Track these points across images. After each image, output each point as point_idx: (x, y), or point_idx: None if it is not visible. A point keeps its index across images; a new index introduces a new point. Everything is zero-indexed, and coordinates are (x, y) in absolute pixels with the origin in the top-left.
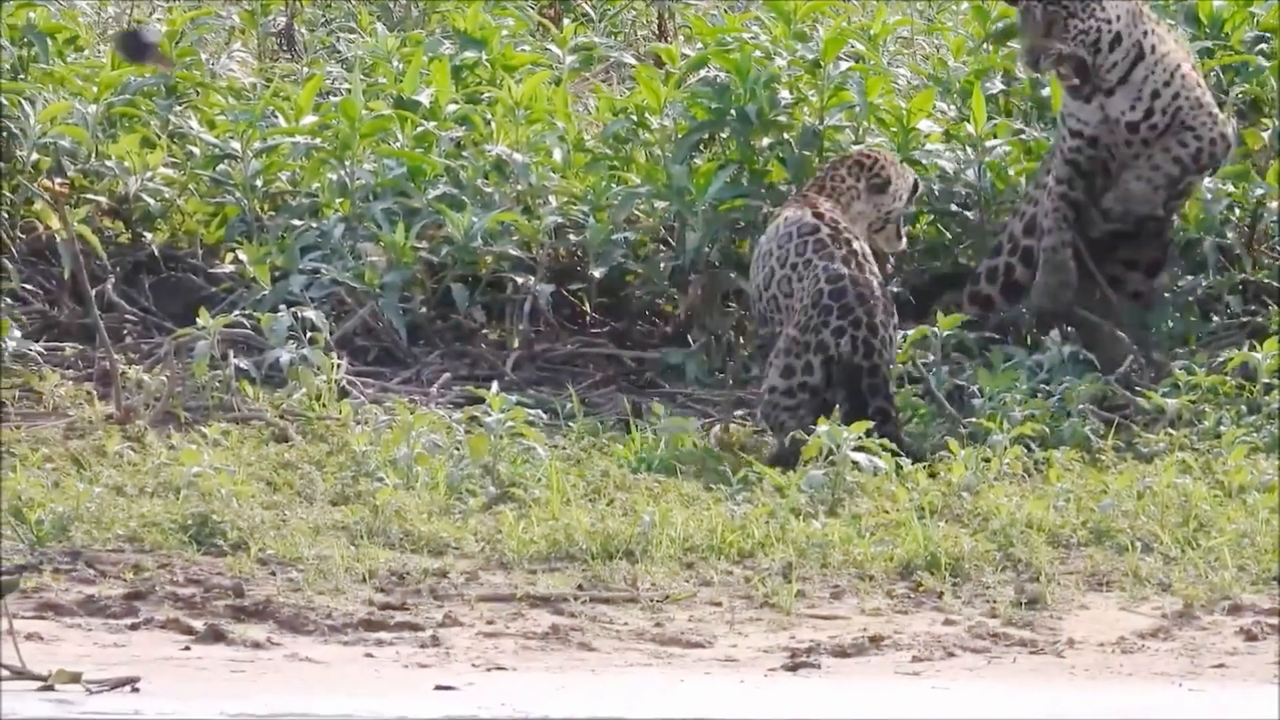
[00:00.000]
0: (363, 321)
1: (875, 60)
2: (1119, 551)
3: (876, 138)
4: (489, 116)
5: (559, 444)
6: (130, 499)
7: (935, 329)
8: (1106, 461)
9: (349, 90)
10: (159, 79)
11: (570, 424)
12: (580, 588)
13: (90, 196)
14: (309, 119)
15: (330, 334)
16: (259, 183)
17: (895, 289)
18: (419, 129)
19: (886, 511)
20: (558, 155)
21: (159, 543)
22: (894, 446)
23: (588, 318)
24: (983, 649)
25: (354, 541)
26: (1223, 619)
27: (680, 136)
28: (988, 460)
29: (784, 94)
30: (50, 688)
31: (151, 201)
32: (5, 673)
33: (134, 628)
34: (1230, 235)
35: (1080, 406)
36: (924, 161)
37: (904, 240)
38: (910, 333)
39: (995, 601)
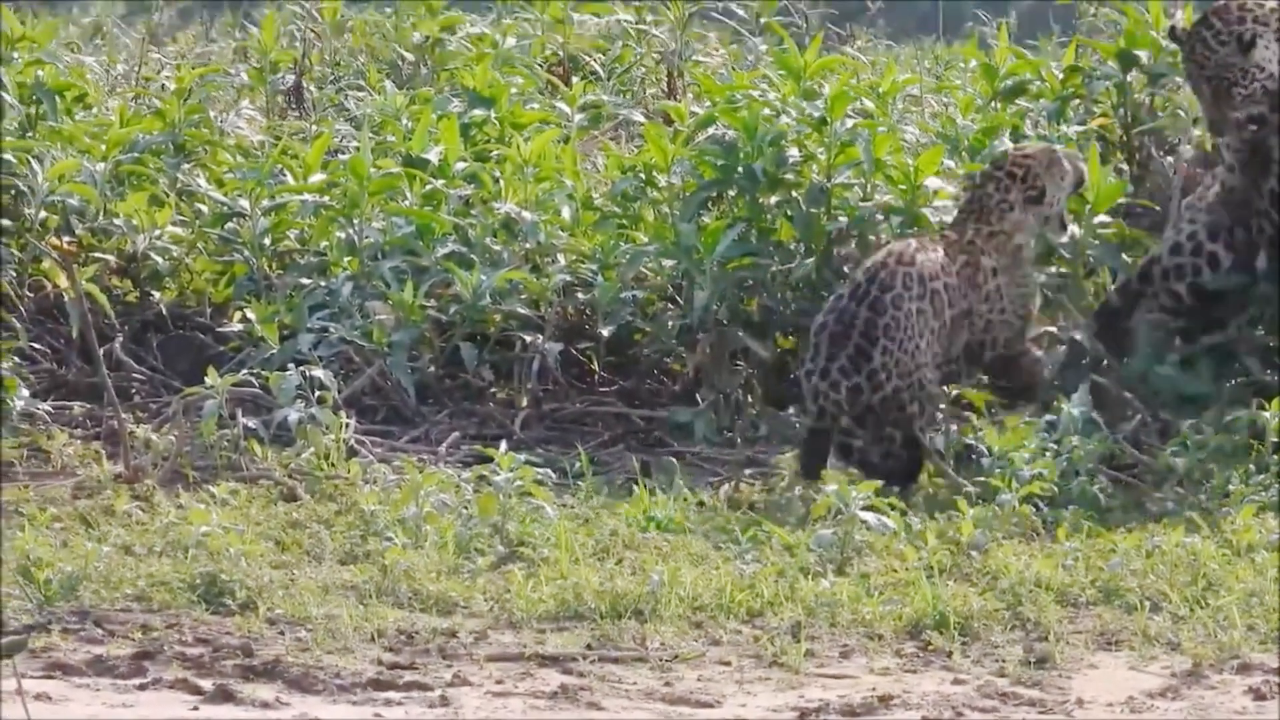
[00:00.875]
0: (371, 380)
1: (883, 117)
2: (1128, 610)
3: (884, 195)
4: (498, 174)
5: (568, 503)
6: (138, 558)
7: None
8: (1115, 521)
9: (357, 148)
10: (167, 137)
11: (579, 483)
12: (589, 647)
13: (98, 255)
14: (317, 177)
15: (339, 393)
16: (267, 241)
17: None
18: (427, 187)
19: (895, 570)
20: (566, 213)
21: (167, 602)
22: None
23: (596, 376)
24: (991, 708)
25: (362, 601)
26: (1231, 678)
27: (688, 194)
28: (996, 519)
29: (792, 152)
30: None
31: (160, 260)
32: None
33: (142, 688)
34: None
35: (1089, 465)
36: (933, 219)
37: (1069, 229)
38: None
39: (1004, 660)
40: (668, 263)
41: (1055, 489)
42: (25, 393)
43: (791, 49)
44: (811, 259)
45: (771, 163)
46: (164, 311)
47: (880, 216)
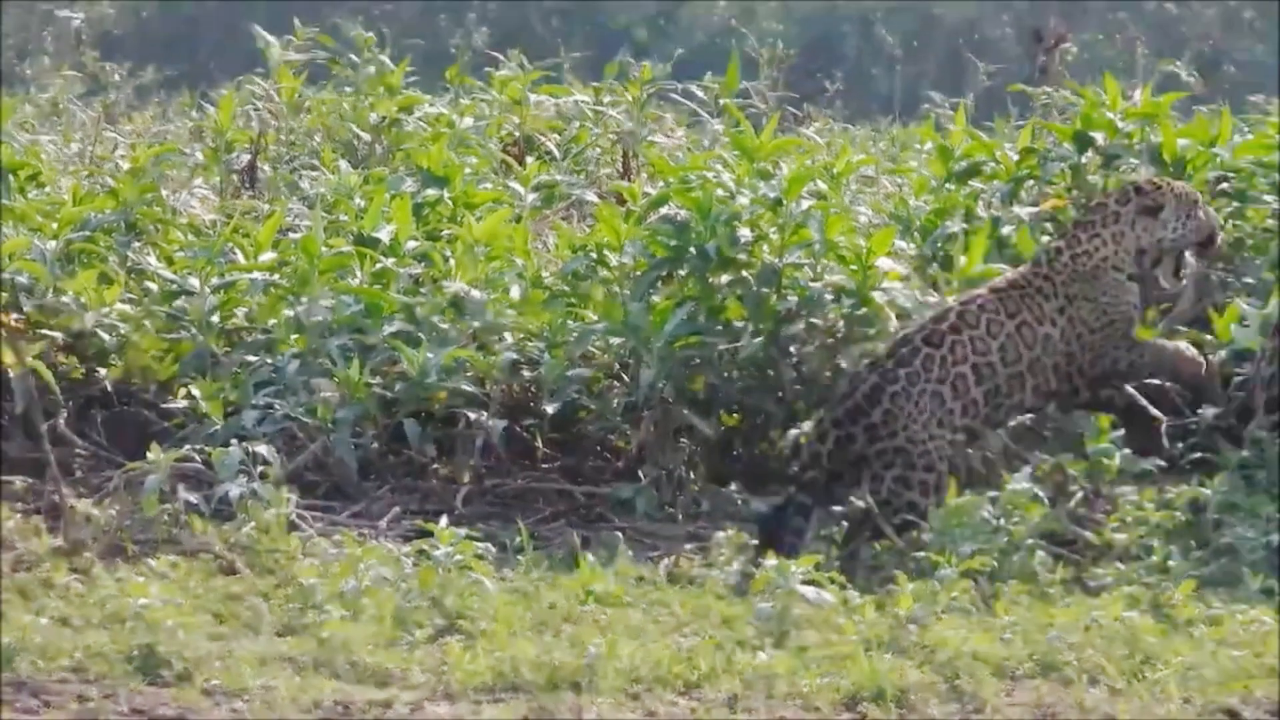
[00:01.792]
0: (314, 456)
1: (837, 198)
2: (1065, 684)
3: (835, 275)
4: (449, 253)
5: (507, 577)
6: (76, 630)
7: None
8: (1054, 595)
9: (310, 227)
10: (119, 215)
11: (519, 557)
12: (525, 719)
13: (45, 331)
14: (268, 255)
15: (281, 468)
16: (215, 318)
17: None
18: (378, 266)
19: (833, 644)
20: (515, 292)
21: (104, 673)
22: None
23: (539, 453)
24: None
25: (300, 672)
26: None
27: (639, 273)
28: (935, 593)
29: (744, 232)
30: None
31: (107, 337)
32: None
33: None
34: None
35: (1029, 540)
36: (882, 300)
37: (1180, 280)
38: None
39: None
40: (615, 341)
41: (995, 563)
42: None
43: (747, 130)
44: (759, 338)
45: (724, 242)
46: (109, 388)
47: (830, 296)
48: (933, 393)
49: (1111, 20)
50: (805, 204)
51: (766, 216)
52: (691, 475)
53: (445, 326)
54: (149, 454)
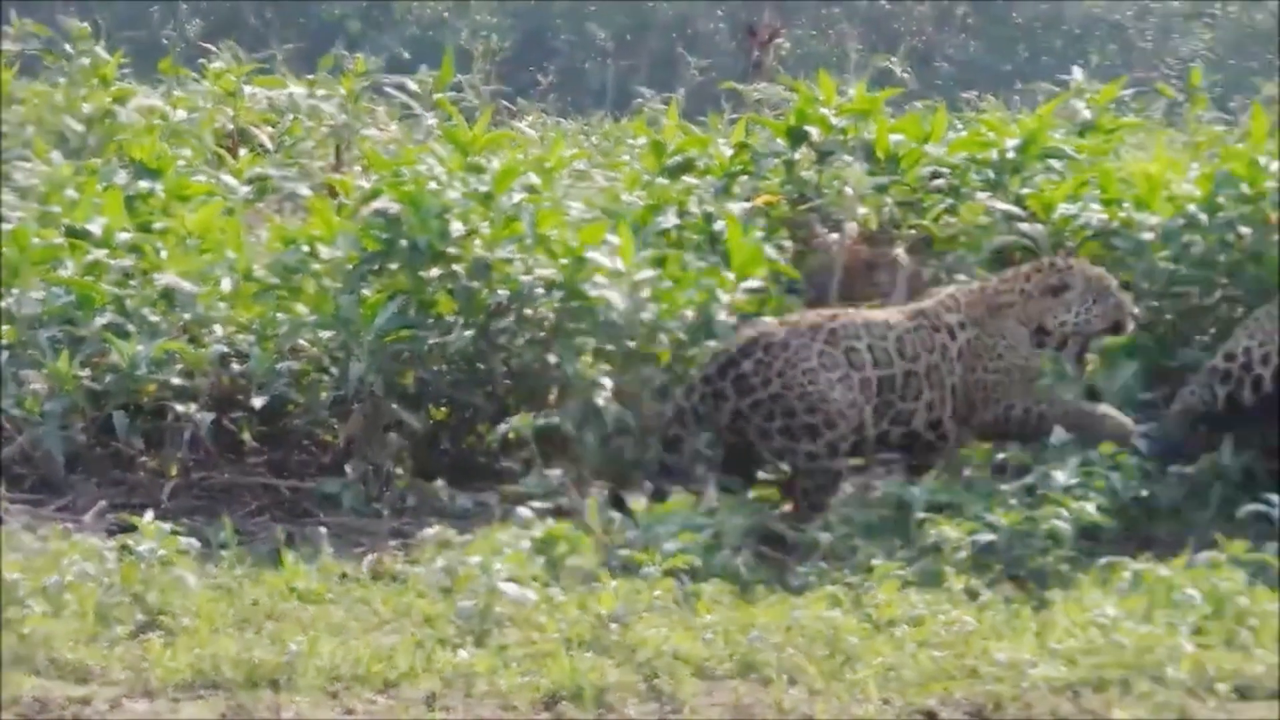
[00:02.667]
0: (21, 449)
1: (549, 192)
2: (764, 684)
3: (545, 269)
4: (160, 246)
5: (211, 572)
6: None
7: None
8: (757, 595)
9: (21, 218)
10: None
11: (224, 552)
12: (223, 716)
13: None
14: None
15: None
16: None
17: None
18: (89, 258)
19: (535, 642)
20: (227, 285)
21: None
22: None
23: (247, 446)
24: None
25: None
26: None
27: (351, 267)
28: (639, 592)
29: (456, 226)
30: None
31: None
32: None
33: None
34: None
35: (734, 540)
36: (592, 294)
37: (1082, 368)
38: None
39: None
40: (326, 334)
41: (699, 562)
42: None
43: (460, 124)
44: (470, 332)
45: (435, 236)
46: None
47: (541, 290)
48: (821, 351)
49: (824, 16)
50: (517, 198)
51: (478, 210)
52: (399, 470)
53: (156, 319)
54: None
